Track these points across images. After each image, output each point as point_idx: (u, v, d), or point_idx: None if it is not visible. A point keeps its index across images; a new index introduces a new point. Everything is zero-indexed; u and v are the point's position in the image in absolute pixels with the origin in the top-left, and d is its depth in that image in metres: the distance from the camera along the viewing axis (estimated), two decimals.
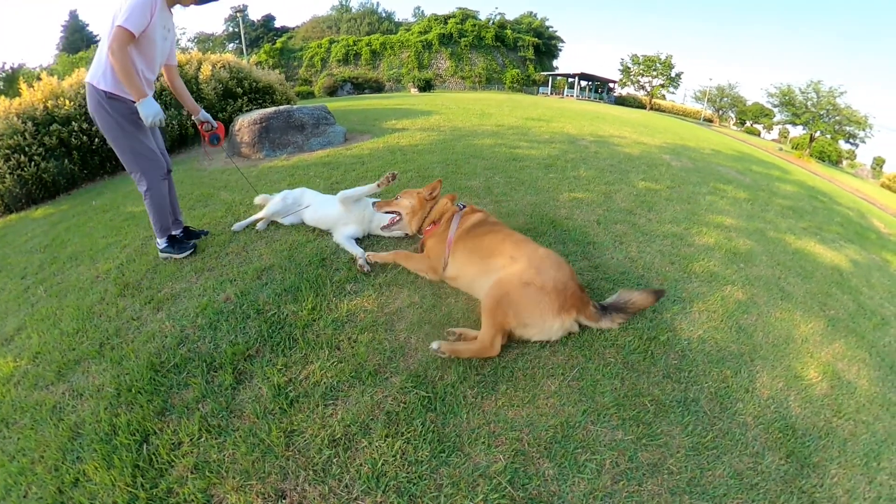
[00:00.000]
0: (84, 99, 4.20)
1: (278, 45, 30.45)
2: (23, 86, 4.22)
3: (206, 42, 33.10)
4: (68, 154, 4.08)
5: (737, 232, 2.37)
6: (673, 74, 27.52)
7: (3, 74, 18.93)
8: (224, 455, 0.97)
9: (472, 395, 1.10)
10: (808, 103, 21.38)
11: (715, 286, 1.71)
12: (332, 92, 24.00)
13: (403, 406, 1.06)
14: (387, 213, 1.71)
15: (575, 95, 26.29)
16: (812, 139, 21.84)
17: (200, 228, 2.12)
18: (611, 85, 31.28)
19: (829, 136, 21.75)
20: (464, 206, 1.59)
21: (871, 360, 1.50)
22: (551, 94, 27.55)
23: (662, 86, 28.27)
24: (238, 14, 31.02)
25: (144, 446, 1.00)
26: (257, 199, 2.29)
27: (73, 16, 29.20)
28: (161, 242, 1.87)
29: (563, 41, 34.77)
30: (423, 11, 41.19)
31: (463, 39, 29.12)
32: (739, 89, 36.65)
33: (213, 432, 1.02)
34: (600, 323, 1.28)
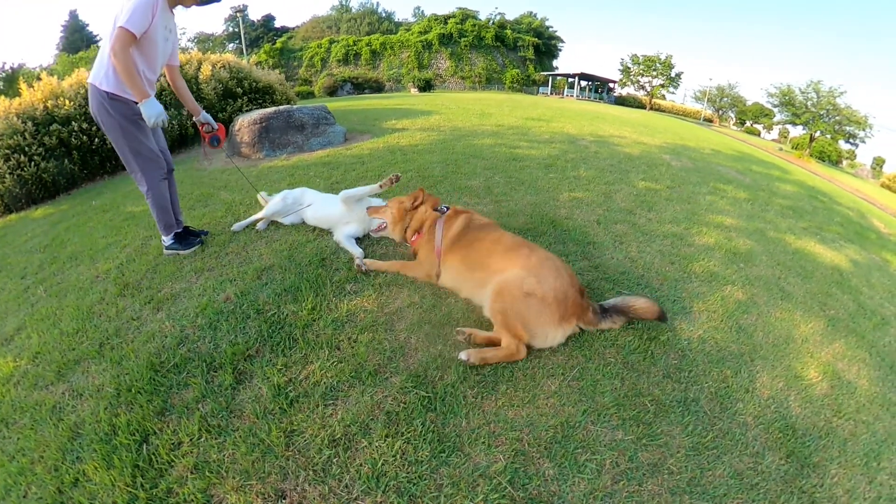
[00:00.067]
0: (84, 99, 4.24)
1: (278, 45, 30.46)
2: (23, 86, 4.22)
3: (206, 42, 33.11)
4: (68, 154, 4.08)
5: (737, 232, 2.37)
6: (673, 74, 27.54)
7: (3, 74, 18.94)
8: (224, 455, 0.97)
9: (472, 395, 1.10)
10: (808, 103, 21.38)
11: (715, 286, 1.71)
12: (332, 92, 24.00)
13: (403, 406, 1.06)
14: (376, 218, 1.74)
15: (575, 95, 26.29)
16: (812, 139, 21.84)
17: (200, 229, 2.12)
18: (611, 85, 31.28)
19: (829, 136, 21.75)
20: (447, 209, 1.56)
21: (872, 360, 1.50)
22: (551, 94, 27.55)
23: (662, 86, 28.27)
24: (238, 14, 31.04)
25: (144, 446, 1.00)
26: (260, 196, 2.30)
27: (73, 16, 29.22)
28: (167, 240, 1.87)
29: (563, 41, 34.81)
30: (423, 11, 41.23)
31: (463, 39, 29.12)
32: (739, 89, 36.76)
33: (212, 432, 1.02)
34: (600, 325, 1.28)
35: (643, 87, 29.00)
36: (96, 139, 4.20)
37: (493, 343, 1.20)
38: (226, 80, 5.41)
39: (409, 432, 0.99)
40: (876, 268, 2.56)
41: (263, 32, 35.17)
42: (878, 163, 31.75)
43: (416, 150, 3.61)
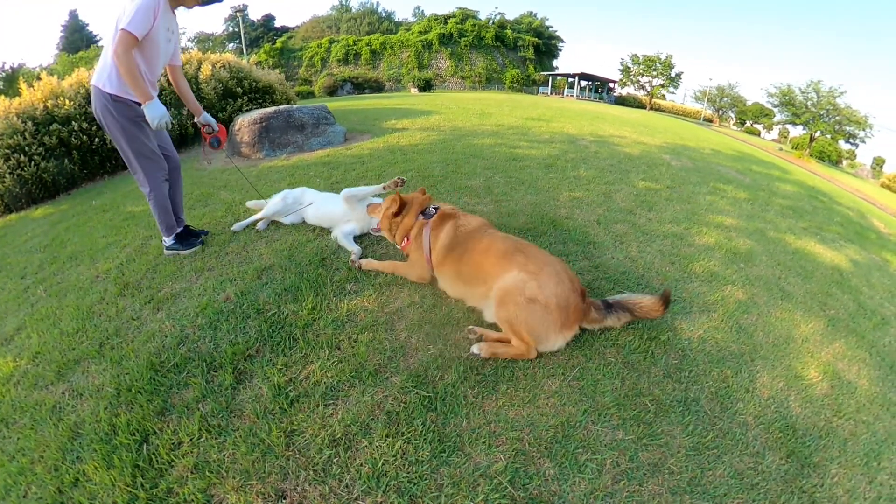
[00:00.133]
0: (84, 99, 4.24)
1: (278, 44, 30.45)
2: (23, 85, 4.22)
3: (205, 42, 33.10)
4: (68, 154, 4.08)
5: (737, 232, 2.37)
6: (673, 74, 27.55)
7: (3, 74, 18.93)
8: (224, 455, 0.97)
9: (472, 395, 1.10)
10: (808, 103, 21.39)
11: (715, 286, 1.71)
12: (332, 92, 24.01)
13: (404, 406, 1.06)
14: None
15: (575, 95, 26.29)
16: (812, 139, 21.85)
17: (200, 229, 2.12)
18: (611, 85, 31.28)
19: (829, 136, 21.76)
20: (436, 210, 1.49)
21: (872, 360, 1.50)
22: (551, 93, 27.55)
23: (662, 86, 28.28)
24: (238, 14, 31.03)
25: (144, 446, 1.00)
26: (249, 204, 2.30)
27: (73, 16, 29.21)
28: (168, 240, 1.87)
29: (563, 41, 34.81)
30: (423, 11, 41.24)
31: (463, 39, 29.13)
32: (739, 89, 36.76)
33: (213, 432, 1.02)
34: (605, 322, 1.26)
35: (643, 87, 29.00)
36: (96, 139, 4.20)
37: (504, 342, 1.21)
38: (226, 79, 5.41)
39: (409, 432, 0.99)
40: (876, 268, 2.56)
41: (263, 32, 35.16)
42: (878, 163, 31.77)
43: (416, 150, 3.61)
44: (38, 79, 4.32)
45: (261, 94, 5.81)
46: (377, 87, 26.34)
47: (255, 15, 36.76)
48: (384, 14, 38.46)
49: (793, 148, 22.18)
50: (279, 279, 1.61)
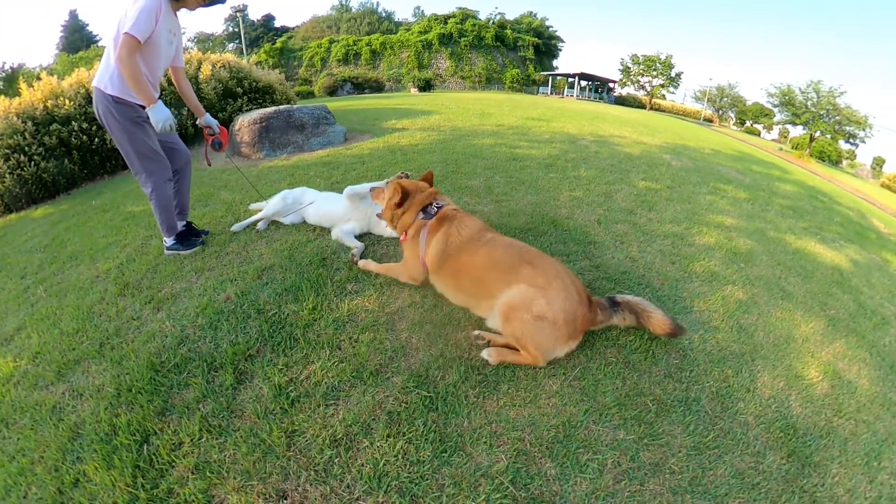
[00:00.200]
0: (84, 99, 4.23)
1: (278, 44, 30.45)
2: (23, 85, 4.21)
3: (205, 42, 33.09)
4: (68, 154, 4.08)
5: (737, 232, 2.37)
6: (673, 74, 27.55)
7: (3, 74, 18.92)
8: (225, 455, 0.97)
9: (473, 395, 1.10)
10: (808, 103, 21.40)
11: (716, 286, 1.71)
12: (332, 92, 24.00)
13: (405, 406, 1.06)
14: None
15: (575, 95, 26.30)
16: (812, 139, 21.86)
17: (201, 228, 2.12)
18: (611, 85, 31.29)
19: (829, 136, 21.77)
20: (438, 209, 1.39)
21: (872, 360, 1.50)
22: (551, 93, 27.56)
23: (662, 86, 28.28)
24: (238, 14, 31.02)
25: (145, 446, 1.00)
26: (253, 207, 2.30)
27: (73, 16, 29.19)
28: (168, 241, 1.87)
29: (563, 41, 34.82)
30: (423, 11, 41.26)
31: (463, 39, 29.13)
32: (739, 89, 36.79)
33: (213, 432, 1.02)
34: (610, 321, 1.24)
35: (643, 87, 29.01)
36: (96, 139, 4.19)
37: (511, 348, 1.19)
38: (226, 79, 5.41)
39: (410, 432, 0.99)
40: (876, 268, 2.56)
41: (263, 32, 35.16)
42: (878, 163, 31.80)
43: (416, 150, 3.61)
44: (38, 79, 4.31)
45: (261, 94, 5.80)
46: (377, 87, 26.34)
47: (255, 15, 36.78)
48: (384, 14, 38.48)
49: (793, 148, 22.20)
50: (280, 279, 1.61)
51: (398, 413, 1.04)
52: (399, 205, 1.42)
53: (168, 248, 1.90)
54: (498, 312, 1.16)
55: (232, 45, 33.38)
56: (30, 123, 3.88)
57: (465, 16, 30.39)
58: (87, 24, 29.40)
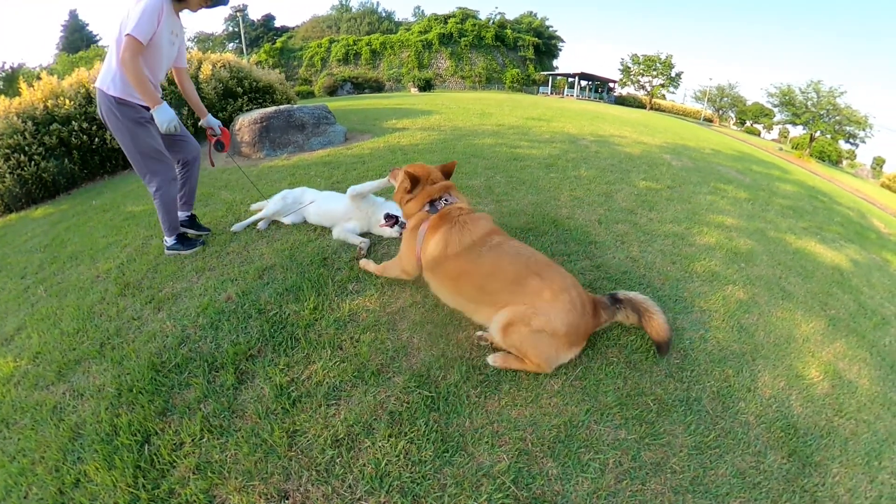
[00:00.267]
0: (84, 99, 4.23)
1: (278, 44, 30.44)
2: (23, 85, 4.21)
3: (206, 41, 33.06)
4: (68, 154, 4.07)
5: (737, 232, 2.37)
6: (673, 74, 27.56)
7: (3, 74, 18.91)
8: (226, 455, 0.97)
9: (475, 395, 1.10)
10: (809, 103, 21.41)
11: (716, 286, 1.72)
12: (332, 91, 24.00)
13: (406, 406, 1.06)
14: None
15: (575, 95, 26.30)
16: (812, 139, 21.87)
17: (203, 225, 2.12)
18: (611, 85, 31.30)
19: (829, 136, 21.78)
20: (445, 203, 1.30)
21: (872, 360, 1.50)
22: (551, 93, 27.56)
23: (662, 85, 28.29)
24: (238, 14, 31.00)
25: (146, 447, 1.00)
26: (254, 207, 2.30)
27: (73, 15, 29.16)
28: (169, 240, 1.88)
29: (563, 41, 34.82)
30: (423, 11, 41.25)
31: (463, 39, 29.12)
32: (739, 89, 36.80)
33: (214, 432, 1.02)
34: (614, 319, 1.21)
35: (643, 87, 29.02)
36: (96, 139, 4.19)
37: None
38: (226, 79, 5.41)
39: (412, 432, 0.99)
40: (876, 268, 2.56)
41: (263, 32, 35.15)
42: (878, 163, 31.82)
43: (416, 150, 3.61)
44: (38, 78, 4.31)
45: (261, 94, 5.80)
46: (377, 86, 26.33)
47: (255, 15, 36.80)
48: (384, 14, 38.48)
49: (793, 148, 22.21)
50: (280, 279, 1.60)
51: (400, 413, 1.04)
52: (409, 191, 1.35)
53: (168, 248, 1.90)
54: (496, 329, 1.11)
55: (232, 44, 33.37)
56: (30, 123, 3.88)
57: (465, 16, 30.38)
58: (87, 24, 29.39)
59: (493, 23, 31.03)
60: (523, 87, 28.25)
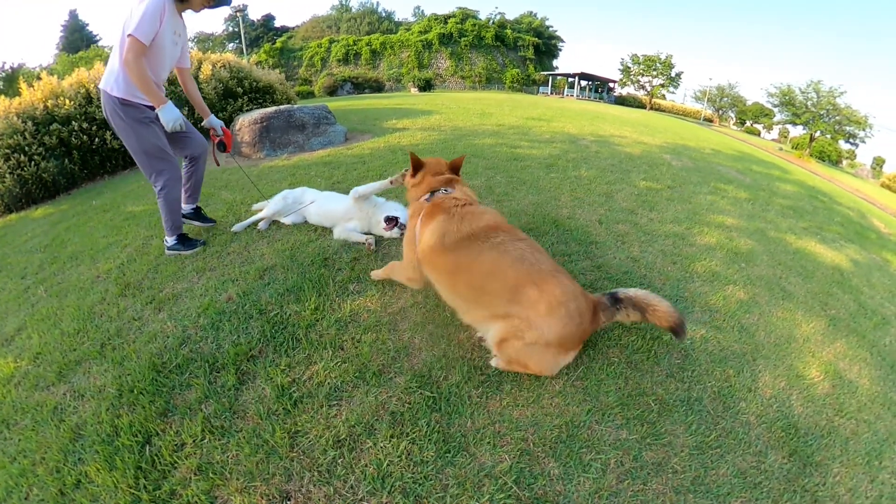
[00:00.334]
0: (84, 99, 4.22)
1: (278, 44, 30.44)
2: (23, 85, 4.20)
3: (206, 42, 33.05)
4: (68, 154, 4.07)
5: (738, 232, 2.37)
6: (673, 74, 27.58)
7: (3, 74, 18.90)
8: (228, 456, 0.97)
9: (476, 396, 1.10)
10: (808, 103, 21.42)
11: (717, 286, 1.72)
12: (332, 91, 23.99)
13: (408, 406, 1.06)
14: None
15: (575, 95, 26.31)
16: (812, 139, 21.89)
17: (207, 217, 2.16)
18: (611, 85, 31.31)
19: (829, 136, 21.80)
20: (444, 193, 1.25)
21: (873, 360, 1.50)
22: (551, 93, 27.57)
23: (662, 85, 28.31)
24: (238, 14, 30.96)
25: (147, 447, 1.00)
26: (255, 207, 2.31)
27: (73, 15, 29.13)
28: (170, 240, 1.88)
29: (563, 41, 34.82)
30: (423, 11, 41.28)
31: (463, 39, 29.13)
32: (739, 89, 36.86)
33: (216, 433, 1.02)
34: (614, 319, 1.16)
35: (643, 87, 29.03)
36: (96, 139, 4.19)
37: None
38: (226, 79, 5.40)
39: (414, 432, 0.99)
40: (876, 267, 2.56)
41: (263, 32, 35.14)
42: (878, 163, 31.86)
43: (417, 150, 3.58)
44: (38, 78, 4.30)
45: (261, 94, 5.79)
46: (377, 86, 26.32)
47: (255, 15, 36.82)
48: (384, 14, 38.48)
49: (793, 148, 22.23)
50: (281, 279, 1.60)
51: (401, 413, 1.04)
52: (413, 176, 1.35)
53: (169, 248, 1.90)
54: (491, 343, 1.09)
55: (232, 44, 33.36)
56: (30, 123, 3.87)
57: (465, 16, 30.39)
58: (87, 24, 29.37)
59: (493, 23, 31.03)
60: (523, 87, 28.26)
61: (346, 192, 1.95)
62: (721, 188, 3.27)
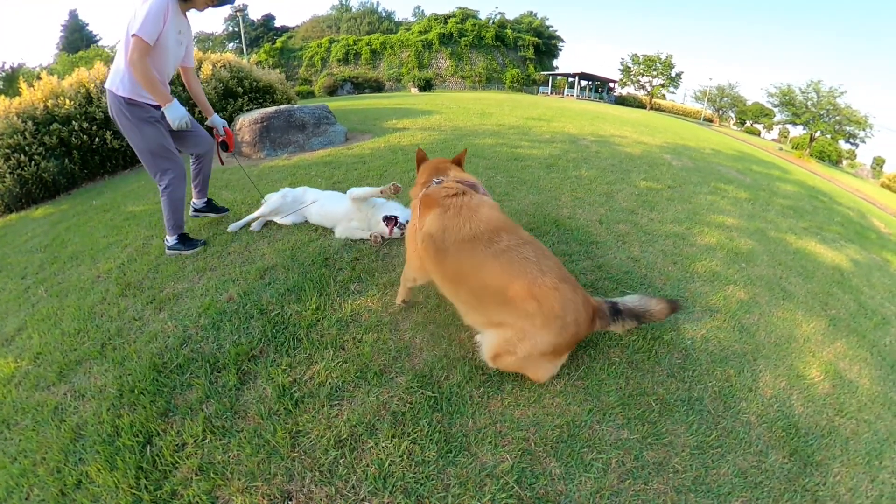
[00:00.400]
0: (84, 99, 4.22)
1: (278, 44, 30.43)
2: (23, 85, 4.20)
3: (206, 41, 33.03)
4: (68, 153, 4.06)
5: (738, 232, 2.37)
6: (673, 74, 27.58)
7: (3, 74, 18.90)
8: (229, 456, 0.97)
9: (478, 395, 1.10)
10: (809, 103, 21.44)
11: (717, 286, 1.72)
12: (332, 91, 23.99)
13: (409, 406, 1.06)
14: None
15: (575, 95, 26.31)
16: (812, 139, 21.90)
17: (220, 206, 2.22)
18: (611, 84, 31.32)
19: (829, 136, 21.82)
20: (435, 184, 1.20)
21: (873, 360, 1.50)
22: (551, 93, 27.57)
23: (662, 85, 28.31)
24: (238, 14, 30.95)
25: (148, 448, 1.00)
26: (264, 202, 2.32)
27: (73, 15, 29.11)
28: (171, 240, 1.89)
29: (563, 41, 34.81)
30: (423, 11, 41.28)
31: (463, 39, 29.12)
32: (739, 89, 36.86)
33: (217, 433, 1.02)
34: (608, 328, 1.15)
35: (643, 87, 29.04)
36: (96, 139, 4.18)
37: None
38: (226, 79, 5.40)
39: (415, 432, 0.99)
40: (876, 267, 2.56)
41: (263, 32, 35.13)
42: (878, 163, 31.87)
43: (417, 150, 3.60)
44: (38, 78, 4.30)
45: (261, 94, 5.79)
46: (377, 86, 26.31)
47: (255, 15, 36.80)
48: (384, 14, 38.47)
49: (793, 148, 22.23)
50: (282, 279, 1.60)
51: (403, 413, 1.04)
52: (418, 170, 1.36)
53: (170, 248, 1.90)
54: (486, 355, 1.08)
55: (232, 44, 33.36)
56: (30, 123, 3.87)
57: (466, 15, 30.38)
58: (87, 24, 29.34)
59: (493, 23, 31.02)
60: (523, 87, 28.26)
61: (343, 193, 1.96)
62: (721, 188, 3.27)
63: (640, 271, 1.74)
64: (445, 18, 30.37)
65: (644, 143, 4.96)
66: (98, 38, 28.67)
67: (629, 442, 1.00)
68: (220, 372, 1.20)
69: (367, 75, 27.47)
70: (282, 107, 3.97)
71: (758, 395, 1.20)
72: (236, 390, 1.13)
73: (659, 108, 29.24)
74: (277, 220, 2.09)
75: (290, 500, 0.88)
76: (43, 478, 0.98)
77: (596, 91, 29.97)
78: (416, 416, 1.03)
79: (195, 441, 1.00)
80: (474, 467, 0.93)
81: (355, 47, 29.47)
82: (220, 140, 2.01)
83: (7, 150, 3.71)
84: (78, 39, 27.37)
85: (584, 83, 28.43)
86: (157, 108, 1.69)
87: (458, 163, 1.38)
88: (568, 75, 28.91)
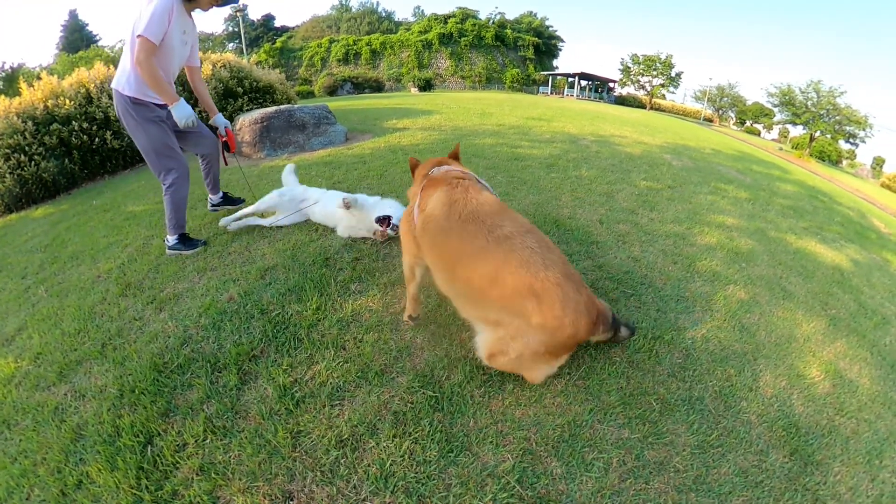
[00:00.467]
0: (84, 99, 4.22)
1: (278, 44, 30.43)
2: (23, 85, 4.20)
3: (206, 41, 33.00)
4: (68, 153, 4.06)
5: (738, 231, 2.37)
6: (673, 74, 27.58)
7: (3, 74, 18.89)
8: (230, 456, 0.97)
9: (479, 395, 1.10)
10: (809, 103, 21.43)
11: (717, 285, 1.72)
12: (332, 91, 23.98)
13: (411, 406, 1.06)
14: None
15: (575, 95, 26.32)
16: (812, 139, 21.91)
17: (236, 197, 2.28)
18: (611, 84, 31.33)
19: (829, 136, 21.82)
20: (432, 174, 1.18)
21: (873, 359, 1.50)
22: (551, 93, 27.58)
23: (662, 85, 28.32)
24: (238, 14, 30.93)
25: (148, 448, 1.00)
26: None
27: (73, 15, 29.09)
28: (171, 239, 1.89)
29: (563, 41, 34.82)
30: (423, 11, 41.28)
31: (463, 39, 29.13)
32: (739, 89, 36.77)
33: (218, 433, 1.02)
34: (604, 337, 1.12)
35: (643, 87, 29.04)
36: (96, 139, 4.18)
37: None
38: (226, 79, 5.39)
39: (416, 432, 0.99)
40: (876, 267, 2.56)
41: (263, 32, 35.13)
42: (878, 163, 31.87)
43: (417, 150, 3.61)
44: (38, 78, 4.29)
45: (261, 94, 5.78)
46: (377, 86, 26.31)
47: (255, 15, 36.79)
48: (384, 14, 38.48)
49: (793, 148, 22.25)
50: (283, 279, 1.60)
51: (404, 413, 1.04)
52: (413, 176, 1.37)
53: (170, 248, 1.90)
54: (481, 354, 1.05)
55: (232, 44, 33.34)
56: (30, 123, 3.87)
57: (465, 15, 30.38)
58: (87, 24, 29.31)
59: (493, 23, 31.02)
60: (523, 87, 28.26)
61: (347, 193, 1.96)
62: (721, 188, 3.27)
63: (640, 271, 1.74)
64: (445, 18, 30.37)
65: (644, 142, 4.96)
66: (98, 38, 28.65)
67: (630, 441, 1.00)
68: (220, 372, 1.20)
69: (367, 75, 27.47)
70: (282, 107, 3.97)
71: (758, 394, 1.20)
72: (237, 390, 1.13)
73: (659, 108, 29.24)
74: (266, 223, 2.03)
75: (292, 500, 0.88)
76: (43, 478, 0.97)
77: (596, 91, 29.98)
78: (418, 416, 1.03)
79: (196, 441, 1.00)
80: (476, 467, 0.93)
81: (355, 47, 29.47)
82: (222, 140, 2.02)
83: (7, 150, 3.71)
84: (78, 39, 27.35)
85: (584, 83, 28.43)
86: (163, 107, 1.70)
87: (455, 157, 1.40)
88: (568, 75, 28.92)
